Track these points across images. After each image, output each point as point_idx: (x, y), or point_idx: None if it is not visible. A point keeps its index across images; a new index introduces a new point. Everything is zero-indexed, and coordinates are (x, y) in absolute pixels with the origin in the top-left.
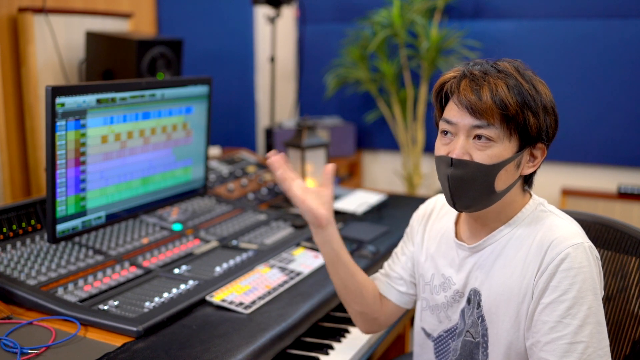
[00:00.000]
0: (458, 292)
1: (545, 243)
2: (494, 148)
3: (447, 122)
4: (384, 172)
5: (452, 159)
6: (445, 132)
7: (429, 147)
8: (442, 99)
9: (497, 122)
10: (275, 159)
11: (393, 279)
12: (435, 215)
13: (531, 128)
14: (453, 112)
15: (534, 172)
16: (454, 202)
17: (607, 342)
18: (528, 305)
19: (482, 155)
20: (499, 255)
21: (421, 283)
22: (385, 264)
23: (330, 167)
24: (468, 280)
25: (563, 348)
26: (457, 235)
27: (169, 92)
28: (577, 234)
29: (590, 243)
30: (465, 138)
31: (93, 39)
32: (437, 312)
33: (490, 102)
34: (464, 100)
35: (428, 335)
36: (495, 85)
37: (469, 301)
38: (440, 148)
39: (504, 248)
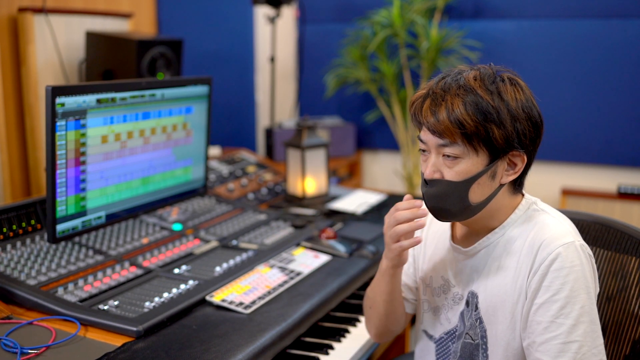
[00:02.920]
0: (457, 294)
1: (537, 243)
2: (461, 164)
3: (421, 141)
4: (384, 172)
5: (425, 179)
6: (423, 150)
7: None
8: (416, 119)
9: (458, 139)
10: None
11: (405, 293)
12: (431, 218)
13: (497, 140)
14: (423, 132)
15: (524, 174)
16: (435, 216)
17: (602, 341)
18: (522, 305)
19: (452, 173)
20: (493, 257)
21: (422, 285)
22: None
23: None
24: (466, 283)
25: (557, 348)
26: (453, 237)
27: (169, 92)
28: (568, 232)
29: (582, 241)
30: (436, 156)
31: (93, 39)
32: (438, 314)
33: (447, 123)
34: (425, 122)
35: (430, 337)
36: (452, 104)
37: (467, 304)
38: (422, 165)
39: (498, 250)
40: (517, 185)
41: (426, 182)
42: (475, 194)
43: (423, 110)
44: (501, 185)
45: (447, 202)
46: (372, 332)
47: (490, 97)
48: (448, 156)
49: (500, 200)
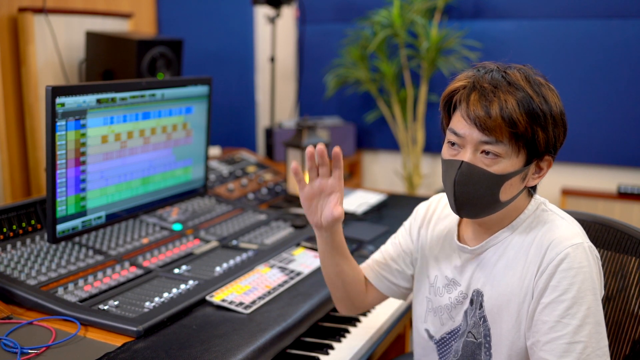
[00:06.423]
0: (462, 293)
1: (545, 243)
2: (500, 164)
3: (455, 133)
4: (384, 172)
5: (462, 162)
6: (453, 143)
7: (429, 147)
8: (450, 107)
9: (505, 139)
10: (310, 152)
11: (384, 268)
12: (438, 216)
13: (540, 143)
14: (461, 124)
15: None
16: (458, 208)
17: (606, 342)
18: (529, 305)
19: (490, 170)
20: (500, 256)
21: (426, 284)
22: (379, 253)
23: (338, 150)
24: (471, 282)
25: (562, 348)
26: (459, 236)
27: (169, 92)
28: (576, 234)
29: (590, 243)
30: (472, 152)
31: (93, 39)
32: (439, 314)
33: (499, 120)
34: (472, 115)
35: (431, 337)
36: (505, 101)
37: (472, 302)
38: (448, 156)
39: (505, 249)
40: (532, 188)
41: (460, 166)
42: (505, 192)
43: (471, 102)
44: (525, 187)
45: (478, 191)
46: (332, 298)
47: (539, 100)
48: (487, 154)
49: (517, 202)
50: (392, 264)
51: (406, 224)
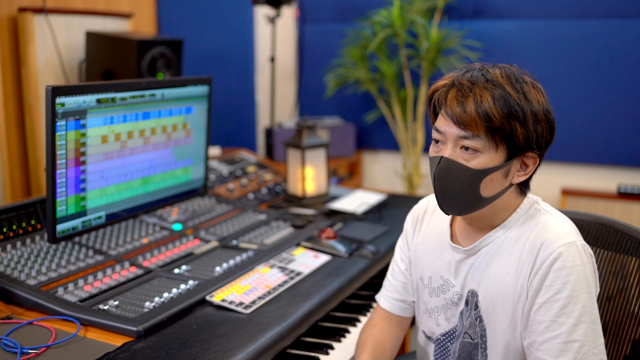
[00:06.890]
0: (457, 293)
1: (538, 243)
2: (479, 158)
3: (437, 130)
4: (384, 172)
5: (441, 157)
6: (437, 141)
7: (428, 147)
8: (434, 107)
9: (482, 133)
10: None
11: (391, 290)
12: (430, 216)
13: (518, 138)
14: (441, 121)
15: (532, 176)
16: (440, 204)
17: (602, 341)
18: (523, 305)
19: (469, 165)
20: (494, 256)
21: (420, 286)
22: (386, 280)
23: None
24: (465, 282)
25: (558, 347)
26: (452, 236)
27: (169, 92)
28: (569, 232)
29: (583, 241)
30: (452, 147)
31: (93, 39)
32: (435, 315)
33: (474, 114)
34: (450, 112)
35: (429, 337)
36: (481, 96)
37: (467, 303)
38: (432, 153)
39: (498, 249)
40: (524, 187)
41: (439, 162)
42: (487, 188)
43: (448, 99)
44: (511, 185)
45: (458, 186)
46: None
47: (517, 95)
48: (466, 149)
49: (507, 200)
50: (397, 285)
51: (402, 234)
